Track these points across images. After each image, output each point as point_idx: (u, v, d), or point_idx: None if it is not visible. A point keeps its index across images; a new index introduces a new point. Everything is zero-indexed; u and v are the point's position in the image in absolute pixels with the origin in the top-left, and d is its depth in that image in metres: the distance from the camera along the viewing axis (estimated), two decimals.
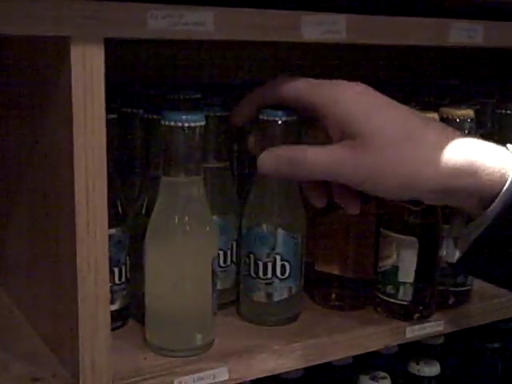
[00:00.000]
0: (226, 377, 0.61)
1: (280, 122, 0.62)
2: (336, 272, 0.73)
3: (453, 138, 0.54)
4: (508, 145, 0.55)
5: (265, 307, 0.68)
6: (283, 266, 0.66)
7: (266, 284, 0.67)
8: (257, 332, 0.67)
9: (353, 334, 0.69)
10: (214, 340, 0.63)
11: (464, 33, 0.68)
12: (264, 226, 0.66)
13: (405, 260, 0.69)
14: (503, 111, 0.80)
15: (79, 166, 0.50)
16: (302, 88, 0.58)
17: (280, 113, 0.62)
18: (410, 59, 1.10)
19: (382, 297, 0.71)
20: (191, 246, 0.59)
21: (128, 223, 0.65)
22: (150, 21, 0.52)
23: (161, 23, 0.52)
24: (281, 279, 0.67)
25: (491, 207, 0.51)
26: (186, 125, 0.57)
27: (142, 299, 0.62)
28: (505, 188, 0.51)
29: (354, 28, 0.60)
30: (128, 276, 0.65)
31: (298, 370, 0.76)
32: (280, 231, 0.66)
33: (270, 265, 0.66)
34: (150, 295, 0.61)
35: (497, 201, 0.51)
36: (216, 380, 0.60)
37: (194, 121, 0.57)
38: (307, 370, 0.78)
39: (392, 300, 0.70)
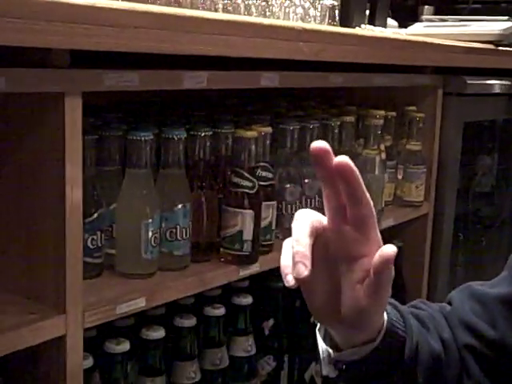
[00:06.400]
0: (143, 303, 0.95)
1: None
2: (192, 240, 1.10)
3: None
4: None
5: None
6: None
7: None
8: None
9: (200, 276, 1.07)
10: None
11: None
12: None
13: (246, 226, 1.09)
14: None
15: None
16: None
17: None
18: None
19: (230, 252, 1.10)
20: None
21: None
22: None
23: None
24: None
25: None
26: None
27: None
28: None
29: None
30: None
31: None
32: None
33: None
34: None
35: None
36: (138, 306, 0.94)
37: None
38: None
39: (239, 253, 1.10)
